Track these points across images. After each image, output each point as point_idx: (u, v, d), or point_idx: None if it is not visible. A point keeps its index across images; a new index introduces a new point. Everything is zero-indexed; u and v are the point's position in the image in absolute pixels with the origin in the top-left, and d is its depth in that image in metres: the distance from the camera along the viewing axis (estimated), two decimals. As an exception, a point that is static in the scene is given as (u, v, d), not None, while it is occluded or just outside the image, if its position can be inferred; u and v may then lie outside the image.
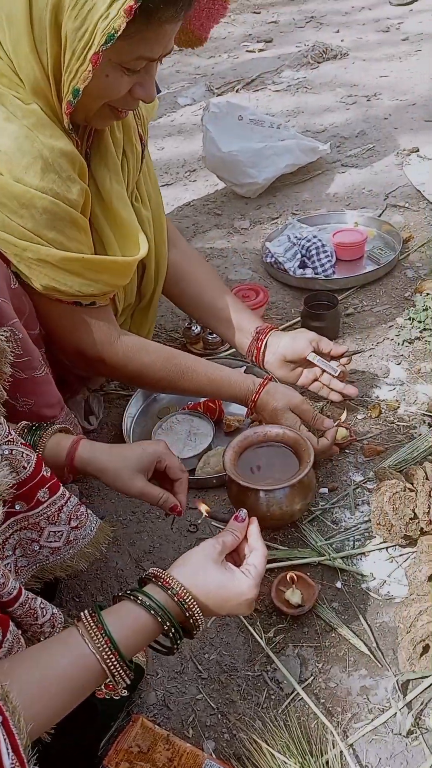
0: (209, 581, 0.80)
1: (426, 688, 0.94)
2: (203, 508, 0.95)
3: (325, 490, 1.28)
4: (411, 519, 1.07)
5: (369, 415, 1.43)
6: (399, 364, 1.56)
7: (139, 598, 0.77)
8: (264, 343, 1.37)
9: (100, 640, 0.73)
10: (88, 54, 0.97)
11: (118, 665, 0.74)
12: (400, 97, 2.89)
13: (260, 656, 1.04)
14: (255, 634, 1.06)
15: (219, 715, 0.98)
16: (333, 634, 1.05)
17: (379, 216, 2.10)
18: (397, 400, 1.46)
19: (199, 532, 1.25)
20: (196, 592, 0.79)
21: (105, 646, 0.73)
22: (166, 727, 0.98)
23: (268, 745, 0.90)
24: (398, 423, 1.41)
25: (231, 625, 1.09)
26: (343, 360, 1.37)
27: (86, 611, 0.76)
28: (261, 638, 1.06)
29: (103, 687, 0.78)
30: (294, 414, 1.25)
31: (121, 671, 0.74)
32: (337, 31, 3.85)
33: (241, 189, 2.30)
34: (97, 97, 1.05)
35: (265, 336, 1.38)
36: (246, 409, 1.30)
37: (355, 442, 1.37)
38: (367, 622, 1.05)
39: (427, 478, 1.12)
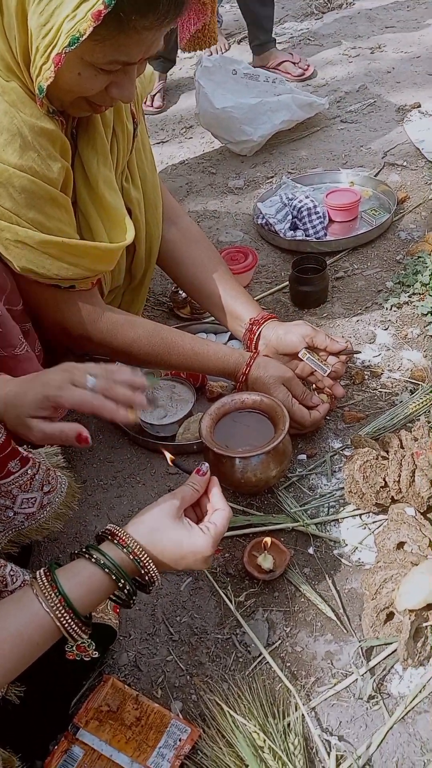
0: (165, 539, 0.81)
1: (388, 655, 0.95)
2: (168, 456, 0.95)
3: (304, 456, 1.28)
4: (382, 487, 1.07)
5: (352, 381, 1.42)
6: (386, 329, 1.53)
7: (94, 556, 0.78)
8: (257, 334, 1.32)
9: (54, 599, 0.75)
10: (51, 53, 0.92)
11: (72, 623, 0.75)
12: (405, 50, 2.78)
13: (230, 620, 1.06)
14: (226, 598, 1.08)
15: (188, 677, 1.00)
16: (302, 599, 1.06)
17: (376, 175, 2.04)
18: (381, 367, 1.44)
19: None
20: (152, 549, 0.80)
21: (59, 604, 0.74)
22: (136, 687, 1.00)
23: (230, 707, 0.92)
24: (381, 390, 1.39)
25: (204, 589, 1.11)
26: (342, 357, 1.30)
27: (41, 570, 0.77)
28: (231, 602, 1.07)
29: (74, 648, 0.80)
30: (285, 388, 1.24)
31: (75, 628, 0.76)
32: (345, -22, 3.69)
33: (236, 147, 2.24)
34: (69, 92, 1.00)
35: (259, 327, 1.32)
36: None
37: (336, 409, 1.36)
38: (336, 588, 1.06)
39: (401, 446, 1.12)
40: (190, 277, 1.42)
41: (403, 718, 0.91)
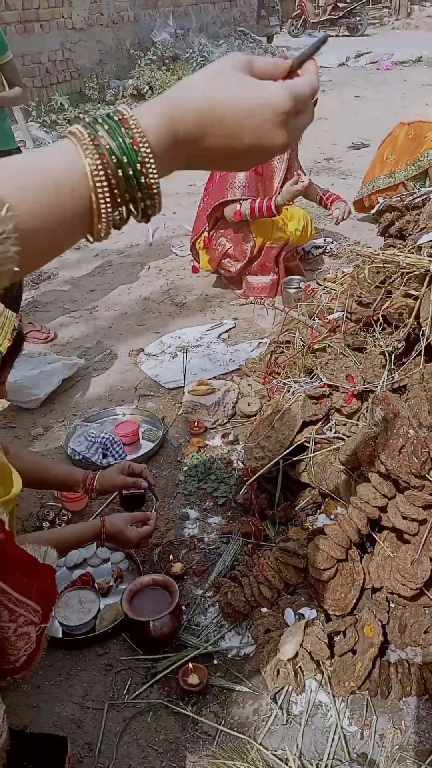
0: (229, 86, 0.61)
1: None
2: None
3: (184, 606, 1.95)
4: (246, 603, 1.81)
5: (188, 550, 2.15)
6: (192, 509, 2.33)
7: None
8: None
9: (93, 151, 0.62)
10: None
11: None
12: (114, 308, 3.86)
13: (188, 723, 1.64)
14: (182, 710, 1.66)
15: (180, 769, 1.54)
16: (225, 692, 1.70)
17: (136, 406, 2.92)
18: (198, 536, 2.21)
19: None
20: (210, 102, 0.61)
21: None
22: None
23: None
24: (207, 548, 2.16)
25: (162, 715, 1.67)
26: None
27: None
28: (187, 710, 1.66)
29: None
30: (133, 527, 1.95)
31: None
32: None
33: (26, 404, 2.93)
34: None
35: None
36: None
37: (188, 569, 2.07)
38: (236, 674, 1.73)
39: (247, 574, 1.88)
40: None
41: None
